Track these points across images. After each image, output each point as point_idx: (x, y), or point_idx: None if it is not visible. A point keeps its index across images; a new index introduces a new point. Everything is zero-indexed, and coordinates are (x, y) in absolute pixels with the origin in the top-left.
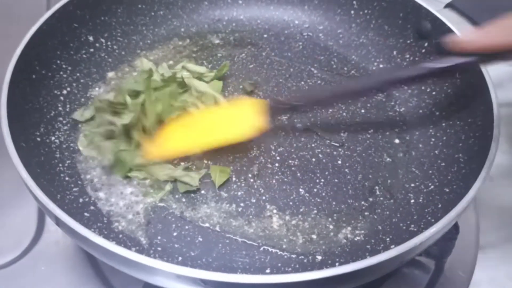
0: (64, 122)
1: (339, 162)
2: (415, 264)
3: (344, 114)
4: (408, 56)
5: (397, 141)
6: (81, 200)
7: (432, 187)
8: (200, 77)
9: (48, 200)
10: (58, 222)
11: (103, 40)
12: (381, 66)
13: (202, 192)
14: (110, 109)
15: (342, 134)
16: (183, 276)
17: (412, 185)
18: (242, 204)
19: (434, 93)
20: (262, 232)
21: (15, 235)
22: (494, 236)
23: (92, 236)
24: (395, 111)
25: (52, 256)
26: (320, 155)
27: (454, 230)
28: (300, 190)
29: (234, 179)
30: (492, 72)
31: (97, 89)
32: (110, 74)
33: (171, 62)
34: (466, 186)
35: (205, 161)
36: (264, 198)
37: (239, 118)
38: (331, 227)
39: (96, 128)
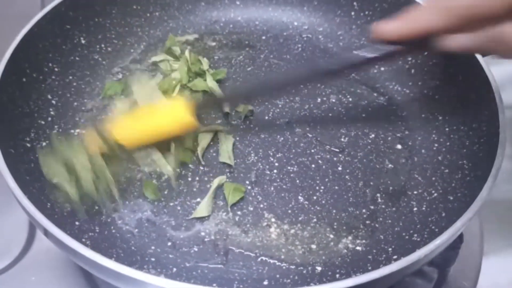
0: (56, 127)
1: (340, 168)
2: (418, 273)
3: (345, 118)
4: (410, 59)
5: (399, 146)
6: (71, 208)
7: (435, 194)
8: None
9: (35, 209)
10: (46, 233)
11: (96, 42)
12: (382, 69)
13: (198, 200)
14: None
15: (342, 140)
16: None
17: (415, 192)
18: (239, 213)
19: (437, 96)
20: (259, 242)
21: (5, 244)
22: (498, 242)
23: (81, 248)
24: (397, 116)
25: (43, 266)
26: (319, 161)
27: (458, 239)
28: (299, 197)
29: None
30: (496, 74)
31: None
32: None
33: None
34: (471, 194)
35: None
36: (262, 206)
37: (170, 116)
38: (331, 236)
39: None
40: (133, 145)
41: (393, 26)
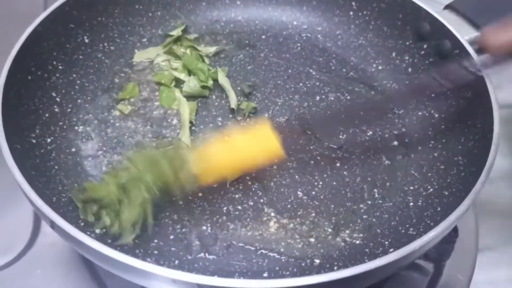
0: (60, 123)
1: (338, 164)
2: (414, 267)
3: (343, 116)
4: (407, 57)
5: (396, 143)
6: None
7: (431, 190)
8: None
9: (43, 203)
10: (53, 225)
11: (99, 41)
12: (380, 67)
13: (200, 194)
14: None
15: (340, 137)
16: (179, 280)
17: (411, 188)
18: (239, 207)
19: (433, 95)
20: (259, 236)
21: (10, 238)
22: (493, 238)
23: (87, 240)
24: (394, 113)
25: (47, 259)
26: (318, 158)
27: (453, 233)
28: (298, 193)
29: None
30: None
31: (92, 88)
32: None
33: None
34: (466, 190)
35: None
36: (261, 201)
37: (257, 145)
38: (330, 230)
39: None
40: (211, 179)
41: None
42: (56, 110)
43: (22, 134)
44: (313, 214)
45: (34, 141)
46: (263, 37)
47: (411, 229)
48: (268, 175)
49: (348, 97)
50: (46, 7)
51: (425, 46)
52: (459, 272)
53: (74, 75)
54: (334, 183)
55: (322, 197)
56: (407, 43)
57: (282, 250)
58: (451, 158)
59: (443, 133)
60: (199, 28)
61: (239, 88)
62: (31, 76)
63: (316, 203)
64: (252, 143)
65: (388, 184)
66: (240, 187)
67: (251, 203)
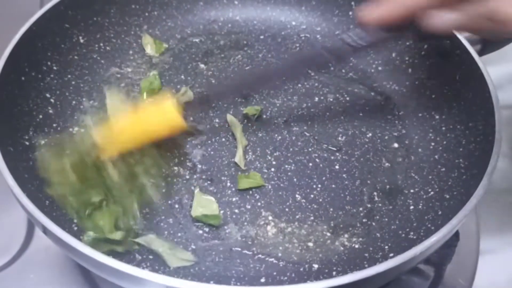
0: (54, 125)
1: (337, 167)
2: (414, 271)
3: (342, 117)
4: (407, 58)
5: (396, 145)
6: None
7: (432, 193)
8: None
9: (34, 207)
10: (45, 230)
11: (95, 41)
12: (379, 68)
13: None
14: None
15: (339, 138)
16: (173, 287)
17: (412, 191)
18: (236, 211)
19: (434, 96)
20: (256, 240)
21: (3, 242)
22: (495, 241)
23: (79, 245)
24: (394, 115)
25: (41, 263)
26: (317, 160)
27: (455, 236)
28: (297, 196)
29: (228, 184)
30: (492, 74)
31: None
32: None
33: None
34: (467, 193)
35: None
36: (259, 204)
37: (158, 117)
38: (328, 234)
39: None
40: (117, 151)
41: (379, 10)
42: (50, 111)
43: (15, 136)
44: (312, 218)
45: (27, 143)
46: (261, 37)
47: (412, 233)
48: (266, 178)
49: (347, 98)
50: (43, 6)
51: (425, 46)
52: (460, 276)
53: (69, 76)
54: (333, 186)
55: (320, 200)
56: (407, 43)
57: (280, 254)
58: (452, 161)
59: (444, 135)
60: (196, 28)
61: None
62: (25, 77)
63: (315, 206)
64: (153, 116)
65: (388, 187)
66: (237, 190)
67: (248, 207)
